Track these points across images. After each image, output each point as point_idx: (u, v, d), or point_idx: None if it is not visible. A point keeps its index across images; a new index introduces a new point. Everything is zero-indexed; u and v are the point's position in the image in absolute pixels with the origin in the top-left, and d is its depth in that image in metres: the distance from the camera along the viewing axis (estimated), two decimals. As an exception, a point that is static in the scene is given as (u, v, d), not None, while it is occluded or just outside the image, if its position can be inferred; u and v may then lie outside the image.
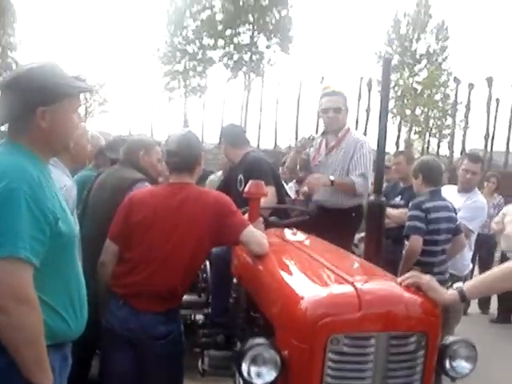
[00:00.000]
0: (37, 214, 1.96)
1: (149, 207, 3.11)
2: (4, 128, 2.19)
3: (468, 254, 5.26)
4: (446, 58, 39.22)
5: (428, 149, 35.34)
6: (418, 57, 39.71)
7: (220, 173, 6.70)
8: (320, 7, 60.53)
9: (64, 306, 2.13)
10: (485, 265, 8.65)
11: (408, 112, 34.48)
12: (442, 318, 2.50)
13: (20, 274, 1.92)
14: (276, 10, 37.85)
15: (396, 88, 35.07)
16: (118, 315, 3.05)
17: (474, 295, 2.68)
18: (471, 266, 5.68)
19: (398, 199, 5.88)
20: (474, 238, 5.36)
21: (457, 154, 28.58)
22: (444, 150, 32.35)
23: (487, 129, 27.87)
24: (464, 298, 2.55)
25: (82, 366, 3.84)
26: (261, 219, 3.62)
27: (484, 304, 9.00)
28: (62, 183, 3.10)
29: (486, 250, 8.84)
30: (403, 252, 4.60)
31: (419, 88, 35.05)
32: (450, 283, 4.21)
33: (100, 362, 3.28)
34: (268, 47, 38.60)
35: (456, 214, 4.72)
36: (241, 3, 37.47)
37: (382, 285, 2.51)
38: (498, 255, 9.21)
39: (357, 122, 28.93)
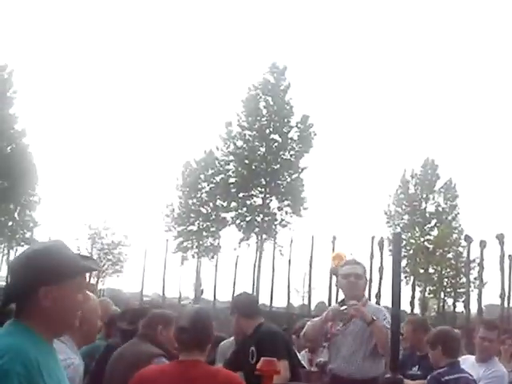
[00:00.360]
0: None
1: (157, 386, 3.03)
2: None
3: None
4: (456, 215, 39.81)
5: (444, 307, 34.76)
6: (427, 215, 40.32)
7: (232, 338, 6.54)
8: (331, 167, 62.92)
9: None
10: None
11: (421, 271, 34.35)
12: None
13: None
14: (287, 173, 39.23)
15: (408, 247, 35.25)
16: None
17: None
18: None
19: (415, 369, 5.67)
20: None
21: (473, 311, 28.06)
22: (460, 307, 31.81)
23: (502, 287, 27.50)
24: None
25: None
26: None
27: None
28: (70, 361, 3.05)
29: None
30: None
31: (431, 246, 35.21)
32: None
33: None
34: (280, 209, 39.48)
35: (476, 385, 4.55)
36: (253, 167, 38.99)
37: None
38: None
39: (370, 281, 28.76)
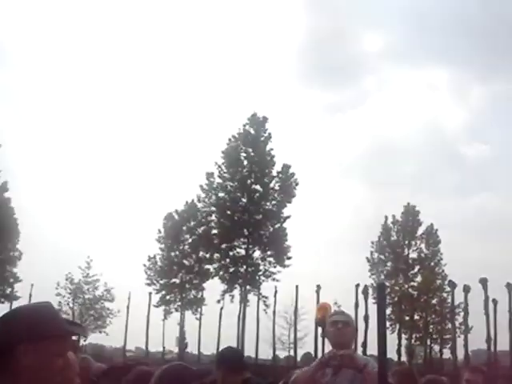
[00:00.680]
0: None
1: None
2: None
3: None
4: (439, 261, 39.91)
5: (431, 354, 34.57)
6: (410, 262, 40.39)
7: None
8: (314, 215, 63.09)
9: None
10: None
11: (406, 318, 34.28)
12: None
13: None
14: (269, 223, 39.26)
15: (392, 294, 35.21)
16: None
17: None
18: None
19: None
20: None
21: (460, 357, 27.94)
22: (447, 354, 31.65)
23: (487, 332, 27.47)
24: None
25: None
26: None
27: None
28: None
29: None
30: None
31: (415, 293, 35.23)
32: None
33: None
34: (263, 259, 39.33)
35: None
36: (235, 218, 39.00)
37: None
38: None
39: (356, 330, 28.57)
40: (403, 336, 34.34)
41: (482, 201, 61.11)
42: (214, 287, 38.84)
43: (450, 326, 31.49)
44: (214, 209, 40.40)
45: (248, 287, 37.98)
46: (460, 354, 28.13)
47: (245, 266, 38.71)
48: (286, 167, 39.73)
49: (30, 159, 70.96)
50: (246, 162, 39.98)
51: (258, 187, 39.69)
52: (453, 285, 29.93)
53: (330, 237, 55.78)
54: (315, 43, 64.47)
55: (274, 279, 38.22)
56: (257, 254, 39.48)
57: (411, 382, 5.74)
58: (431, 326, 35.13)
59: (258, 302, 35.17)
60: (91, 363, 5.16)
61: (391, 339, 30.89)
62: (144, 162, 70.30)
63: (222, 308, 36.46)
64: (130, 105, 78.33)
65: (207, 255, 40.13)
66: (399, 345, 31.90)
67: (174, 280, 40.81)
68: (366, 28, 75.00)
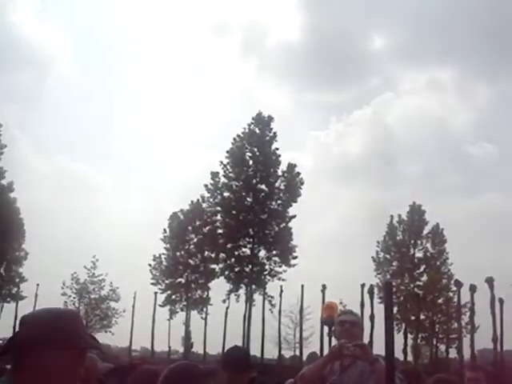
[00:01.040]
0: None
1: None
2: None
3: None
4: (445, 260, 39.74)
5: (437, 354, 34.44)
6: (416, 261, 40.25)
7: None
8: (319, 215, 62.92)
9: None
10: None
11: (412, 318, 34.15)
12: None
13: None
14: (275, 223, 39.24)
15: (398, 294, 35.10)
16: None
17: None
18: None
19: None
20: None
21: (466, 357, 27.82)
22: (453, 353, 31.52)
23: (494, 331, 27.33)
24: None
25: None
26: None
27: None
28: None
29: None
30: None
31: (421, 293, 35.09)
32: None
33: None
34: (268, 259, 39.33)
35: None
36: (240, 217, 39.00)
37: None
38: None
39: (362, 329, 28.49)
40: (409, 336, 34.27)
41: (488, 200, 60.98)
42: (219, 287, 38.87)
43: (456, 325, 31.33)
44: (219, 208, 40.42)
45: (253, 287, 37.98)
46: (466, 354, 28.00)
47: (250, 266, 38.69)
48: (291, 167, 39.74)
49: (36, 158, 71.20)
50: (251, 162, 40.00)
51: (263, 187, 39.69)
52: (459, 284, 29.78)
53: (336, 236, 55.67)
54: (319, 43, 64.51)
55: (279, 279, 38.28)
56: (262, 253, 39.55)
57: (418, 382, 5.73)
58: (437, 326, 35.00)
59: (264, 301, 35.12)
60: (98, 363, 5.12)
61: (397, 339, 30.48)
62: (148, 161, 70.52)
63: (227, 308, 36.45)
64: (135, 101, 78.62)
65: (212, 255, 40.13)
66: (405, 344, 31.84)
67: (179, 280, 40.84)
68: (371, 28, 74.83)
